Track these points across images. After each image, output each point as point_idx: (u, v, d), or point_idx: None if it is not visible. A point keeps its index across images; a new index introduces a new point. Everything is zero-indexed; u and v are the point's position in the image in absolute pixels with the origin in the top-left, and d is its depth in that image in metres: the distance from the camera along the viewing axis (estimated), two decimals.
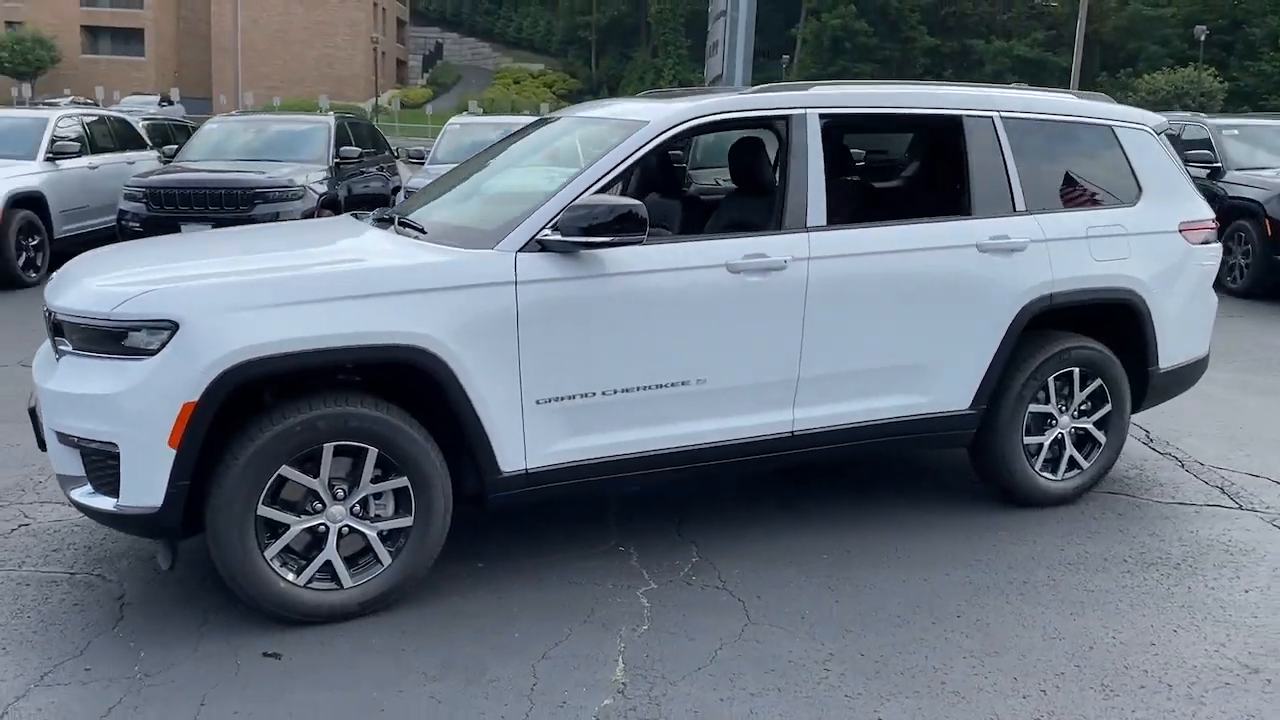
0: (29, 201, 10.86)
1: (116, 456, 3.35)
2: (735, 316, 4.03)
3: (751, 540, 4.37)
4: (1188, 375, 5.15)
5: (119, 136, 13.20)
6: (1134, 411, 5.06)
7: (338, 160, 11.88)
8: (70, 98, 47.12)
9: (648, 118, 4.12)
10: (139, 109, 36.89)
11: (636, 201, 3.75)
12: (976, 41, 71.60)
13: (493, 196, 4.55)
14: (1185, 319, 5.00)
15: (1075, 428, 4.81)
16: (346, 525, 3.58)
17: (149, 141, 14.15)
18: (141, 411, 3.30)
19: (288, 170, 11.11)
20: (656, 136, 4.05)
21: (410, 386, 3.67)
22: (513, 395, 3.71)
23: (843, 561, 4.20)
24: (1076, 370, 4.72)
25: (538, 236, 3.75)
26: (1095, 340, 4.77)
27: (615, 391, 3.89)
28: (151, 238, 4.52)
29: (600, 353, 3.83)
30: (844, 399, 4.32)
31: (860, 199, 5.20)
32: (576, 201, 3.75)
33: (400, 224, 4.18)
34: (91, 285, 3.53)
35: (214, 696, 3.13)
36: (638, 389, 3.93)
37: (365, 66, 67.79)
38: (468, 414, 3.63)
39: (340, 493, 3.56)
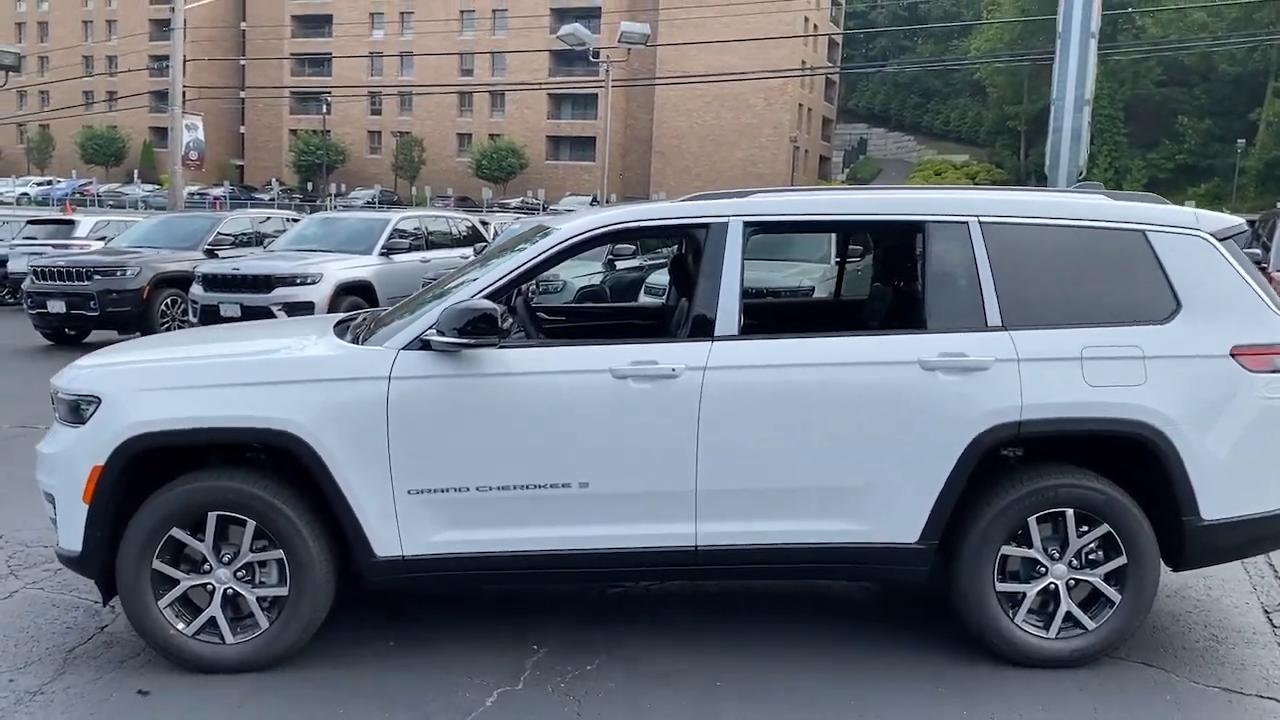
0: (359, 289, 12.80)
1: (54, 504, 4.08)
2: (620, 422, 4.00)
3: (674, 655, 4.21)
4: (1263, 530, 4.18)
5: (455, 235, 15.12)
6: (1179, 568, 4.21)
7: (385, 249, 13.30)
8: (453, 197, 54.77)
9: (559, 226, 4.25)
10: (574, 208, 41.79)
11: (492, 305, 3.90)
12: None
13: (434, 297, 4.86)
14: (1245, 461, 4.09)
15: (1075, 579, 4.10)
16: (231, 587, 4.02)
17: (488, 239, 16.01)
18: (67, 469, 4.00)
19: (320, 259, 12.67)
20: (558, 245, 4.17)
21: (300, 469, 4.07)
22: (383, 484, 3.97)
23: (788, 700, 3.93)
24: (1070, 512, 4.04)
25: (422, 336, 4.02)
26: (1100, 479, 4.07)
27: (491, 488, 4.01)
28: (170, 332, 5.38)
29: (475, 449, 3.99)
30: (758, 517, 4.07)
31: (805, 310, 4.88)
32: (453, 305, 3.97)
33: (341, 325, 4.61)
34: (72, 366, 4.33)
35: None
36: (515, 487, 4.01)
37: (786, 164, 70.54)
38: (336, 497, 3.95)
39: (227, 557, 4.02)
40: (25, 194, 62.15)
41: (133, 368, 4.13)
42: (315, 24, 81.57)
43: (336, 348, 4.16)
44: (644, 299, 11.45)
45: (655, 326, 5.46)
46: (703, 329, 4.09)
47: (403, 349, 4.02)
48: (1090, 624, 4.10)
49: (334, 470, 3.92)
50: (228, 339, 4.74)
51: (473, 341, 3.91)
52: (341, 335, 4.37)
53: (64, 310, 13.32)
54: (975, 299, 4.11)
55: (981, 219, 4.18)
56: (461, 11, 76.87)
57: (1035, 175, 69.80)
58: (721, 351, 4.04)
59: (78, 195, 60.76)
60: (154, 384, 4.00)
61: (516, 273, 4.15)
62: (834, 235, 10.55)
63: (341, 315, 5.03)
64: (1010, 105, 73.77)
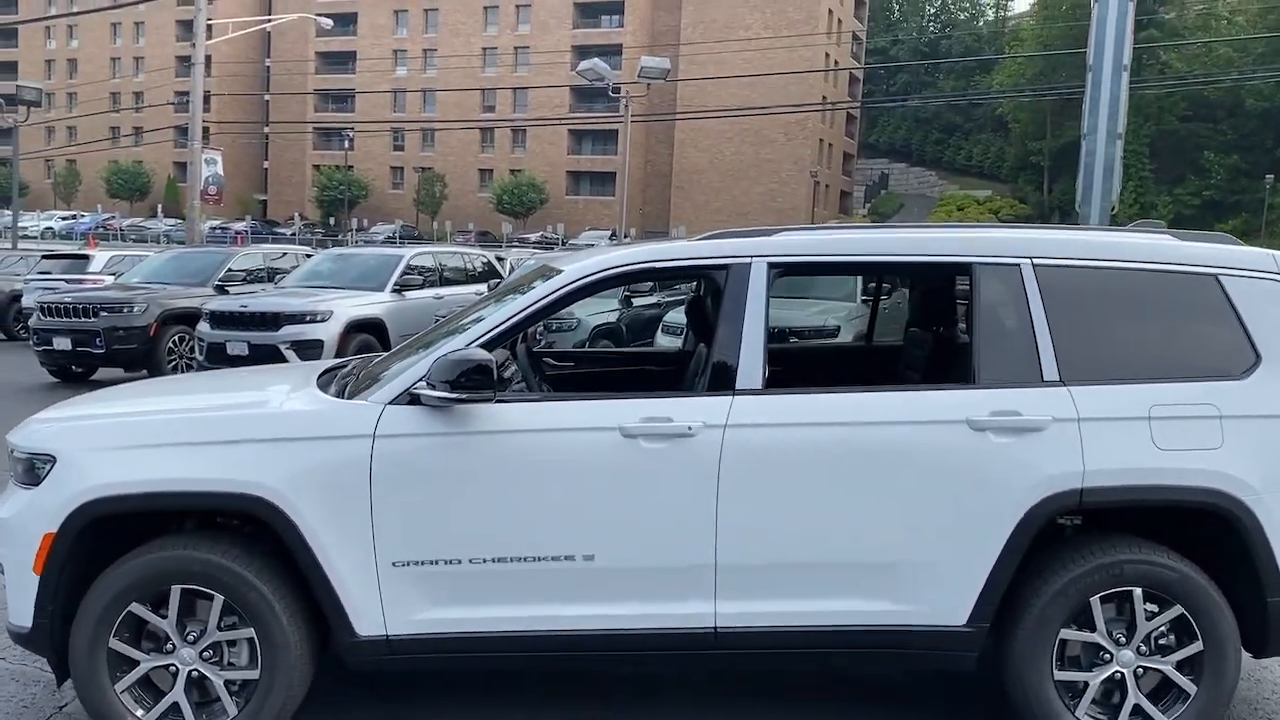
0: (370, 327, 12.45)
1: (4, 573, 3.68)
2: (629, 487, 3.57)
3: None
4: None
5: (470, 270, 14.78)
6: (1262, 654, 3.74)
7: (398, 286, 12.94)
8: (473, 231, 54.85)
9: (564, 267, 3.85)
10: (594, 242, 41.70)
11: (487, 356, 3.50)
12: None
13: (426, 345, 4.46)
14: None
15: (1144, 667, 3.62)
16: (196, 669, 3.60)
17: (503, 274, 15.68)
18: (17, 536, 3.60)
19: (330, 296, 12.33)
20: (563, 288, 3.77)
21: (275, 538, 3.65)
22: (366, 555, 3.56)
23: None
24: (1137, 591, 3.58)
25: (411, 389, 3.62)
26: (1172, 554, 3.60)
27: (485, 560, 3.59)
28: (146, 380, 4.96)
29: (468, 516, 3.57)
30: (785, 595, 3.62)
31: (833, 357, 4.46)
32: (445, 355, 3.57)
33: (326, 375, 4.22)
34: (31, 420, 3.94)
35: None
36: (512, 559, 3.59)
37: (806, 199, 70.26)
38: (313, 569, 3.53)
39: (192, 635, 3.60)
40: (50, 228, 62.63)
41: (91, 424, 3.75)
42: (339, 60, 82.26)
43: (316, 402, 3.75)
44: (661, 339, 11.04)
45: (671, 374, 5.05)
46: (723, 381, 3.67)
47: (389, 404, 3.62)
48: (1162, 719, 3.62)
49: (310, 539, 3.51)
50: (201, 390, 4.35)
51: (466, 396, 3.50)
52: (325, 387, 3.97)
53: (69, 347, 13.02)
54: (1029, 350, 3.67)
55: (1035, 261, 3.75)
56: (484, 49, 77.38)
57: (1060, 211, 69.35)
58: (744, 407, 3.61)
59: (101, 229, 61.21)
60: (112, 442, 3.61)
61: (516, 319, 3.74)
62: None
63: (329, 363, 4.62)
64: (1033, 141, 73.41)
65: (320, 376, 4.18)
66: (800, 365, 5.22)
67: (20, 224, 61.06)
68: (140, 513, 3.60)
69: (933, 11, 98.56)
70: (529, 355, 4.81)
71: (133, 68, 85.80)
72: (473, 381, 3.47)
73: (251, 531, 3.66)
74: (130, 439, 3.61)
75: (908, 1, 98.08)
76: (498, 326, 3.72)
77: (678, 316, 10.97)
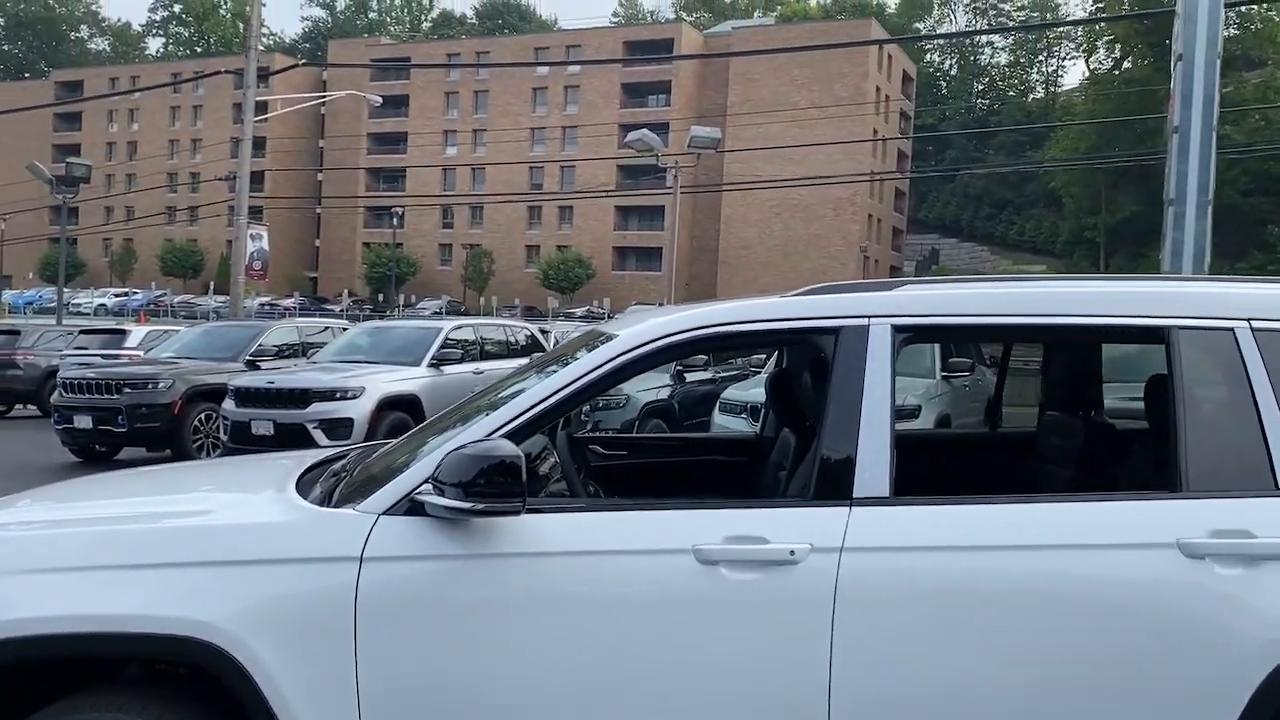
0: (405, 404, 11.61)
1: None
2: (707, 633, 2.60)
3: None
4: None
5: (512, 344, 13.97)
6: None
7: (435, 360, 12.10)
8: (519, 306, 54.47)
9: (618, 332, 2.93)
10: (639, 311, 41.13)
11: (514, 451, 2.56)
12: None
13: (442, 430, 3.53)
14: None
15: None
16: None
17: (547, 349, 14.87)
18: None
19: (363, 371, 11.52)
20: (618, 358, 2.84)
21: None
22: None
23: None
24: None
25: (414, 494, 2.69)
26: None
27: None
28: (99, 475, 4.03)
29: (488, 673, 2.61)
30: None
31: (947, 448, 3.49)
32: (460, 447, 2.64)
33: (314, 470, 3.30)
34: None
35: None
36: None
37: (856, 275, 69.36)
38: None
39: None
40: (103, 305, 63.37)
41: None
42: (390, 141, 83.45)
43: (288, 510, 2.83)
44: (719, 418, 10.04)
45: (747, 468, 4.07)
46: (834, 485, 2.70)
47: (383, 514, 2.69)
48: None
49: (271, 697, 2.57)
50: (149, 491, 3.43)
51: (485, 506, 2.56)
52: (308, 487, 3.05)
53: (90, 425, 12.30)
54: (1254, 445, 2.67)
55: (1255, 324, 2.77)
56: (532, 129, 78.10)
57: None
58: (867, 523, 2.64)
59: (152, 306, 61.72)
60: (17, 563, 2.70)
61: (555, 399, 2.81)
62: (939, 344, 9.17)
63: (321, 453, 3.68)
64: (1088, 215, 72.15)
65: (306, 472, 3.26)
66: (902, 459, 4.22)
67: (75, 300, 62.24)
68: (47, 659, 2.68)
69: (980, 89, 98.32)
70: (570, 443, 3.86)
71: (190, 149, 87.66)
72: (495, 485, 2.53)
73: (198, 683, 2.73)
74: (40, 558, 2.70)
75: (956, 80, 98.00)
76: (531, 409, 2.79)
77: (737, 394, 10.02)
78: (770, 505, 2.83)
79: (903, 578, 2.59)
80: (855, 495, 2.67)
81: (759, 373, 12.10)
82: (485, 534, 2.64)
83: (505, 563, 2.63)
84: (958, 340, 3.81)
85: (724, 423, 9.68)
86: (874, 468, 2.69)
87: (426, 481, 2.68)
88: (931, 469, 3.79)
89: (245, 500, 3.03)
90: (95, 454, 13.12)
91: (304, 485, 3.07)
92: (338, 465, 3.30)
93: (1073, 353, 3.92)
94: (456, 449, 2.62)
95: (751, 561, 2.60)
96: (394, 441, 3.43)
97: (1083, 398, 3.86)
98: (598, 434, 6.34)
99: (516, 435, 2.73)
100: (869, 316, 2.83)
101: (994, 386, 5.02)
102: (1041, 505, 2.73)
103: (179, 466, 3.97)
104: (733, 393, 10.21)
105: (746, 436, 4.44)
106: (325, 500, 2.88)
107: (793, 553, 2.59)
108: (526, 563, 2.63)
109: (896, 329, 2.81)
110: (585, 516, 2.73)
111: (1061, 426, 3.79)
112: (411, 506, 2.68)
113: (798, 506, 2.73)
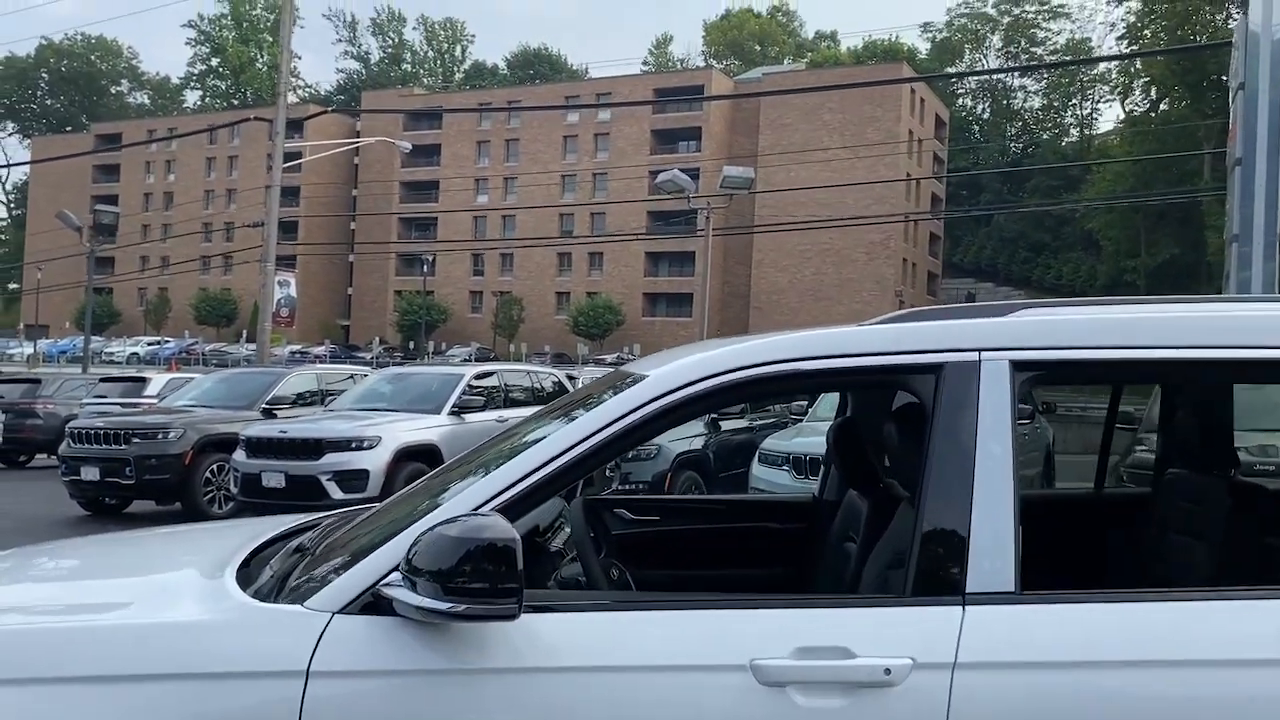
0: (423, 454, 10.98)
1: None
2: None
3: None
4: None
5: (538, 390, 13.35)
6: None
7: (456, 408, 11.56)
8: (549, 353, 53.95)
9: (648, 372, 2.26)
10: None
11: (509, 531, 1.89)
12: None
13: (435, 494, 2.84)
14: None
15: None
16: None
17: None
18: None
19: (381, 420, 11.00)
20: (648, 406, 2.16)
21: None
22: None
23: None
24: None
25: (378, 586, 2.03)
26: None
27: None
28: (70, 541, 3.35)
29: None
30: None
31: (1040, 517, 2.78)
32: (438, 524, 1.97)
33: (266, 550, 2.63)
34: None
35: None
36: None
37: None
38: None
39: None
40: (135, 353, 63.57)
41: None
42: (422, 188, 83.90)
43: (219, 604, 2.15)
44: (758, 471, 9.28)
45: (805, 536, 3.35)
46: (939, 577, 2.01)
47: (339, 612, 2.03)
48: None
49: None
50: (55, 577, 2.76)
51: (467, 607, 1.88)
52: (253, 575, 2.38)
53: (97, 477, 11.77)
54: None
55: None
56: (563, 176, 78.22)
57: None
58: (988, 629, 1.94)
59: (184, 355, 61.83)
60: None
61: (567, 459, 2.12)
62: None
63: (287, 524, 2.99)
64: (1127, 258, 71.02)
65: (258, 551, 2.60)
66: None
67: (108, 349, 62.44)
68: None
69: (1013, 132, 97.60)
70: (586, 509, 3.12)
71: (225, 198, 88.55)
72: (483, 577, 1.86)
73: None
74: None
75: (989, 124, 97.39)
76: (533, 474, 2.11)
77: (778, 443, 9.29)
78: (852, 603, 2.13)
79: (1040, 705, 1.88)
80: (969, 590, 1.98)
81: (800, 419, 11.35)
82: (470, 642, 1.96)
83: (496, 682, 1.95)
84: (1097, 382, 3.10)
85: (764, 475, 8.94)
86: (994, 553, 1.99)
87: (395, 570, 2.01)
88: (1033, 544, 3.08)
89: (174, 588, 2.36)
90: (104, 506, 12.59)
91: (249, 569, 2.41)
92: (295, 543, 2.62)
93: (1204, 396, 3.19)
94: (433, 527, 1.95)
95: (832, 683, 1.90)
96: (370, 509, 2.76)
97: (1217, 451, 3.14)
98: (623, 494, 5.66)
99: (513, 508, 2.06)
100: (979, 350, 2.14)
101: (1069, 438, 4.31)
102: (1203, 603, 2.01)
103: (108, 540, 3.30)
104: (772, 442, 9.48)
105: (802, 499, 3.73)
106: (274, 591, 2.21)
107: (888, 671, 1.89)
108: (525, 682, 1.95)
109: (1016, 365, 2.12)
110: (605, 618, 2.04)
111: (1195, 488, 3.06)
112: (375, 603, 2.01)
113: (891, 605, 2.03)
